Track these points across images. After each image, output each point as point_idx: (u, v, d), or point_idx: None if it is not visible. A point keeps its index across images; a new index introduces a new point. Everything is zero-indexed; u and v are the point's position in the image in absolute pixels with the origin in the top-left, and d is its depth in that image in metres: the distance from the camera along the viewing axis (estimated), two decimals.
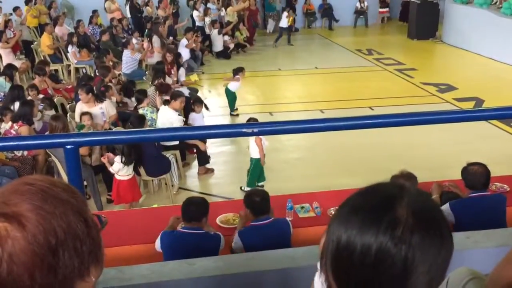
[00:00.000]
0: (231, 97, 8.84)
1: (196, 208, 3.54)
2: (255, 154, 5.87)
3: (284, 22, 14.70)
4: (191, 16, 15.12)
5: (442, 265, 0.89)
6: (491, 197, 3.79)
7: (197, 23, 14.28)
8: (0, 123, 6.27)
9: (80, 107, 6.67)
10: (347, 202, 0.94)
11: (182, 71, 9.29)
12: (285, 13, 14.83)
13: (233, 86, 8.72)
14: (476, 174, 3.70)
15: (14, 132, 5.92)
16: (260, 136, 5.66)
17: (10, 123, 6.12)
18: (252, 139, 5.79)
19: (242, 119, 8.63)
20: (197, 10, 14.55)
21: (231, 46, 13.74)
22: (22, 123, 6.05)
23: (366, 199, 0.92)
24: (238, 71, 8.74)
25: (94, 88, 7.29)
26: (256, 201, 3.60)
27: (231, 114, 8.91)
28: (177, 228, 3.63)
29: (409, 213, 0.86)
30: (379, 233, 0.85)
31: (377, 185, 0.94)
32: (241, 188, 6.04)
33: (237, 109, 9.00)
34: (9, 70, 8.68)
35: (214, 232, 3.61)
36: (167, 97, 6.91)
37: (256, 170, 5.93)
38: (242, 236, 3.48)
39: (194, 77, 10.49)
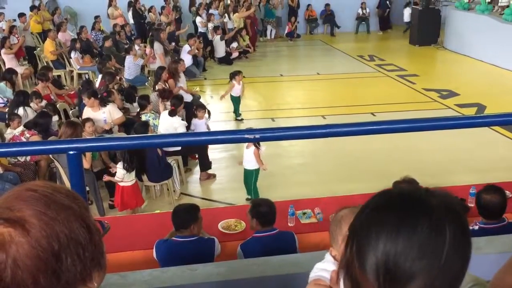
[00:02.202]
0: (235, 102, 8.86)
1: (183, 216, 3.52)
2: (253, 166, 5.66)
3: (406, 17, 17.10)
4: (193, 22, 15.18)
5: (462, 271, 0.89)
6: (506, 227, 3.37)
7: (200, 29, 14.32)
8: (6, 128, 6.29)
9: (87, 112, 6.70)
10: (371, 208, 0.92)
11: (182, 77, 9.29)
12: (408, 9, 16.92)
13: (233, 92, 8.77)
14: (488, 206, 3.39)
15: (24, 139, 5.93)
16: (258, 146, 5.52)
17: (20, 129, 6.13)
18: (248, 152, 5.62)
19: (245, 125, 8.65)
20: (200, 16, 14.60)
21: (236, 54, 13.76)
22: (34, 132, 6.07)
23: (396, 203, 0.90)
24: (233, 76, 8.78)
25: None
26: (264, 211, 3.54)
27: (236, 119, 8.93)
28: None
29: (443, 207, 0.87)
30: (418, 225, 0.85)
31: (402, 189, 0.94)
32: (247, 199, 5.86)
33: (240, 114, 9.02)
34: (9, 75, 8.70)
35: (208, 237, 3.60)
36: (168, 103, 6.92)
37: (256, 180, 5.76)
38: (243, 249, 3.45)
39: (196, 88, 10.49)
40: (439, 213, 0.86)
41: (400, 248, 0.84)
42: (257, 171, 5.70)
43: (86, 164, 5.39)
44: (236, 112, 8.98)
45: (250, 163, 5.66)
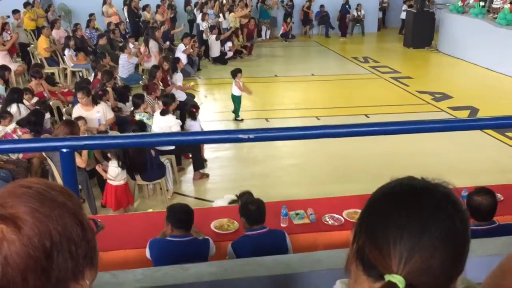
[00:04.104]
0: (237, 101, 8.84)
1: (189, 218, 3.52)
2: None
3: (403, 15, 17.34)
4: (188, 21, 15.15)
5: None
6: (496, 229, 3.36)
7: (201, 27, 14.23)
8: None
9: (78, 111, 6.66)
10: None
11: (179, 76, 9.29)
12: (405, 6, 17.31)
13: (235, 90, 8.76)
14: (479, 207, 3.37)
15: (16, 137, 5.89)
16: None
17: (12, 126, 6.10)
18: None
19: (245, 125, 8.65)
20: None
21: (230, 54, 13.74)
22: (26, 130, 6.03)
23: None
24: (236, 73, 8.78)
25: (92, 91, 7.31)
26: (252, 209, 3.57)
27: (236, 119, 8.91)
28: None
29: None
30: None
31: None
32: None
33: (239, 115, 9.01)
34: (1, 71, 8.63)
35: (203, 237, 3.60)
36: (161, 103, 6.93)
37: None
38: (234, 247, 3.46)
39: (191, 83, 10.49)
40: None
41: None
42: None
43: (82, 163, 5.37)
44: (237, 112, 8.95)
45: None
